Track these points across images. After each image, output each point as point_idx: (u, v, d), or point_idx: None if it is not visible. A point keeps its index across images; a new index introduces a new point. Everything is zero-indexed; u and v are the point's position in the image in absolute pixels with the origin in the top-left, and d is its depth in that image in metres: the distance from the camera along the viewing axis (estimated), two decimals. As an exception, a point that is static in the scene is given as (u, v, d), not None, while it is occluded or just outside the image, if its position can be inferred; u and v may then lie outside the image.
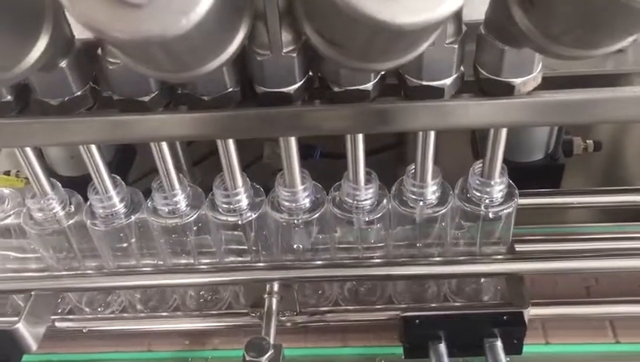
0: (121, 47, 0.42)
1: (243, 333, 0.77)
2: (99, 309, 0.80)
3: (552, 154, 0.96)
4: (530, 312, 0.72)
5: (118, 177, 0.71)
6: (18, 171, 1.05)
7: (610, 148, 1.08)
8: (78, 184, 0.86)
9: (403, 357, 0.71)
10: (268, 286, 0.73)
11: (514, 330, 0.70)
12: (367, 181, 0.69)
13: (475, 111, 0.56)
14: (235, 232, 0.71)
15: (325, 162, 1.11)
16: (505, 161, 0.68)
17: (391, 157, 1.16)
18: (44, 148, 0.97)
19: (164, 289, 0.79)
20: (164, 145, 0.67)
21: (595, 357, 0.76)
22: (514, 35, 0.44)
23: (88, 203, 0.71)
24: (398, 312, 0.77)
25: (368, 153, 1.10)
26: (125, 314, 0.80)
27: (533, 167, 0.95)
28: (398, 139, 1.13)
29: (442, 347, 0.70)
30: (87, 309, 0.80)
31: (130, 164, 1.06)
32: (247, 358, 0.64)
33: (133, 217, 0.71)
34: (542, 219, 0.88)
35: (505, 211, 0.68)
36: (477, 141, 1.00)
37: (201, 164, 1.12)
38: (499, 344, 0.70)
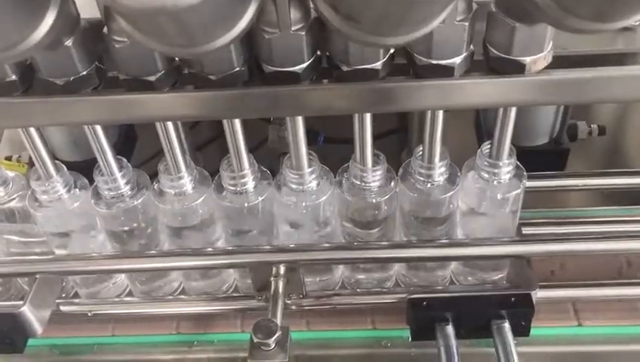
0: (131, 19, 0.41)
1: (249, 317, 0.76)
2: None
3: (557, 138, 0.96)
4: (561, 294, 0.72)
5: (123, 159, 0.70)
6: (19, 156, 1.05)
7: (615, 133, 1.08)
8: (81, 169, 0.86)
9: (410, 339, 0.71)
10: (274, 269, 0.73)
11: (522, 312, 0.69)
12: (375, 163, 0.68)
13: (484, 90, 0.56)
14: (242, 215, 0.70)
15: (329, 147, 1.11)
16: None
17: (394, 142, 1.16)
18: (46, 133, 0.96)
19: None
20: (170, 126, 0.66)
21: (629, 339, 0.76)
22: (527, 9, 0.43)
23: (94, 185, 0.71)
24: (404, 295, 0.77)
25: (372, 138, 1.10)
26: (130, 298, 0.79)
27: (538, 152, 0.95)
28: (401, 124, 1.13)
29: (449, 329, 0.70)
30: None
31: (132, 148, 1.05)
32: (255, 340, 0.64)
33: (139, 199, 0.70)
34: (547, 204, 0.88)
35: (513, 193, 0.68)
36: (481, 124, 1.00)
37: (204, 149, 1.12)
38: (507, 326, 0.69)
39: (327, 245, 0.72)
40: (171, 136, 0.66)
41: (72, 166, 0.96)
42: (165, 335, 0.79)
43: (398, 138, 1.17)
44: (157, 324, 0.80)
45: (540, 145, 0.95)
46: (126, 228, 0.72)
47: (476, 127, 1.03)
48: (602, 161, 1.11)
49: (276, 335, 0.64)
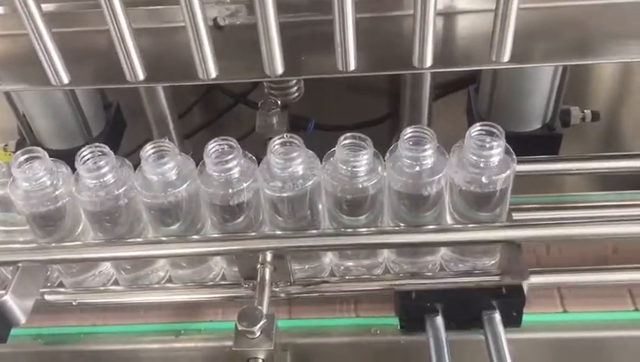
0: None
1: (237, 305, 0.75)
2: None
3: (550, 124, 0.95)
4: (549, 280, 0.71)
5: (106, 146, 0.69)
6: (6, 145, 1.04)
7: (608, 119, 1.07)
8: (66, 157, 0.85)
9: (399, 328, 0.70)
10: (261, 256, 0.72)
11: (513, 303, 0.68)
12: (362, 147, 0.67)
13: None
14: (227, 203, 0.69)
15: (319, 134, 1.10)
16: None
17: (384, 130, 1.15)
18: (31, 120, 0.95)
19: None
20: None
21: (615, 325, 0.75)
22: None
23: (76, 172, 0.69)
24: (393, 282, 0.76)
25: (361, 125, 1.09)
26: (116, 287, 0.78)
27: (531, 137, 0.94)
28: (393, 111, 1.12)
29: (439, 320, 0.68)
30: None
31: (120, 136, 1.04)
32: (240, 328, 0.63)
33: (122, 189, 0.69)
34: (538, 189, 0.87)
35: (502, 175, 0.66)
36: (472, 110, 0.99)
37: (193, 138, 1.11)
38: (497, 317, 0.68)
39: (313, 232, 0.71)
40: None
41: (56, 154, 0.97)
42: (152, 324, 0.78)
43: (389, 126, 1.16)
44: (143, 313, 0.79)
45: (533, 130, 0.94)
46: (109, 216, 0.71)
47: (468, 113, 1.02)
48: (596, 146, 1.10)
49: (261, 323, 0.63)
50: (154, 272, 0.79)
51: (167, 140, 0.68)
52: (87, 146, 0.68)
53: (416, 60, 0.57)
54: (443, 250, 0.79)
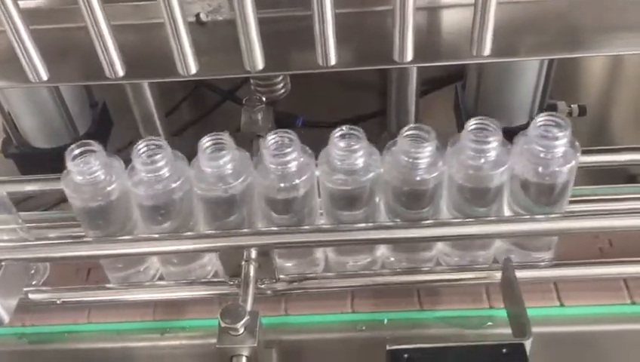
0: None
1: (223, 302, 0.75)
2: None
3: (537, 118, 0.94)
4: (544, 274, 0.71)
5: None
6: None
7: (595, 113, 1.07)
8: (53, 155, 0.85)
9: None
10: (245, 253, 0.71)
11: None
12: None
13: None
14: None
15: (307, 131, 1.09)
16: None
17: (374, 126, 1.15)
18: (17, 118, 0.95)
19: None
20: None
21: (611, 318, 0.75)
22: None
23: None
24: (381, 277, 0.76)
25: (351, 122, 1.09)
26: (101, 285, 0.78)
27: (518, 132, 0.94)
28: (382, 108, 1.12)
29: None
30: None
31: (107, 135, 1.04)
32: (223, 325, 0.63)
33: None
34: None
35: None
36: (460, 106, 0.99)
37: (181, 136, 1.11)
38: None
39: (300, 228, 0.71)
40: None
41: (42, 153, 0.97)
42: (137, 322, 0.78)
43: (379, 122, 1.16)
44: (128, 312, 0.78)
45: (520, 125, 0.94)
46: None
47: (455, 109, 1.02)
48: (583, 141, 1.10)
49: (244, 319, 0.63)
50: (144, 272, 0.79)
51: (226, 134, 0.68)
52: (142, 140, 0.68)
53: (396, 55, 0.57)
54: (440, 244, 0.78)
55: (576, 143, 0.67)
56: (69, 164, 0.67)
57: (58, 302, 0.76)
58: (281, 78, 0.93)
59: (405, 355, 0.60)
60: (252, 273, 0.70)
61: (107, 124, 1.04)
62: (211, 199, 0.69)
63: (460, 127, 0.72)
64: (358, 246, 0.76)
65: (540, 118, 0.66)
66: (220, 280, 0.76)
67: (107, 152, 0.70)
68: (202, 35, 0.65)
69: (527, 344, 0.61)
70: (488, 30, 0.54)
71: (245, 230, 0.72)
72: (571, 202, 0.75)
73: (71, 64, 0.68)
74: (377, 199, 0.71)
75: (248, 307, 0.68)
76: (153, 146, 0.68)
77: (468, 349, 0.61)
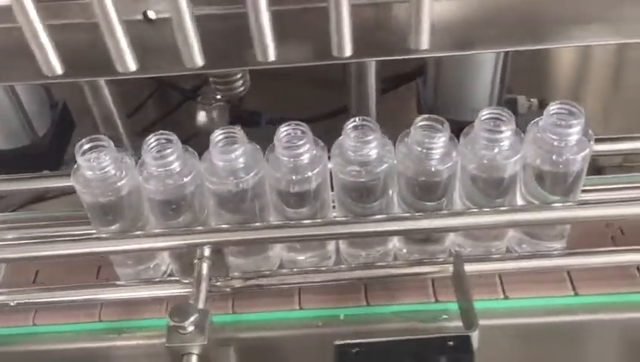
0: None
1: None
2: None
3: (496, 113, 0.95)
4: (488, 267, 0.72)
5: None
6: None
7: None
8: (11, 157, 0.84)
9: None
10: (198, 251, 0.71)
11: (460, 358, 0.62)
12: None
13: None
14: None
15: (272, 130, 1.09)
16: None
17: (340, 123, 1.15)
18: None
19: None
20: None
21: (555, 310, 0.75)
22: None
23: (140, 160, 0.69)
24: (338, 274, 0.76)
25: (316, 119, 1.09)
26: (54, 286, 0.77)
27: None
28: (345, 106, 1.12)
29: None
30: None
31: (69, 136, 1.03)
32: (171, 323, 0.63)
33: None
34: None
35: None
36: (420, 98, 0.99)
37: (144, 136, 1.10)
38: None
39: (252, 225, 0.71)
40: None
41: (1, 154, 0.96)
42: (93, 323, 0.77)
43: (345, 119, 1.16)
44: (84, 312, 0.78)
45: (477, 121, 0.94)
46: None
47: (417, 105, 1.02)
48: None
49: (192, 318, 0.63)
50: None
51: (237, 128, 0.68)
52: (153, 134, 0.68)
53: (335, 49, 0.57)
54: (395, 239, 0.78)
55: (590, 132, 0.67)
56: (79, 159, 0.67)
57: (12, 303, 0.75)
58: (239, 75, 0.93)
59: (353, 350, 0.61)
60: (205, 271, 0.70)
61: (68, 125, 1.03)
62: (223, 193, 0.69)
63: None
64: (313, 243, 0.77)
65: (553, 106, 0.66)
66: (171, 279, 0.76)
67: (68, 154, 0.70)
68: (150, 33, 0.65)
69: (474, 336, 0.62)
70: (424, 23, 0.54)
71: (198, 228, 0.72)
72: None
73: (19, 63, 0.67)
74: (391, 191, 0.71)
75: (200, 305, 0.68)
76: (164, 141, 0.68)
77: (414, 342, 0.61)
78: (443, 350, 0.60)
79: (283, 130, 0.67)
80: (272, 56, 0.57)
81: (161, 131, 0.68)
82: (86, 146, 0.67)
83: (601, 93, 1.11)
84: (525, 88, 1.00)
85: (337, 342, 0.61)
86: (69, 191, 0.76)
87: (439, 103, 0.95)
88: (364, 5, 0.60)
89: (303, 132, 0.67)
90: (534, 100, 0.99)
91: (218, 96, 0.89)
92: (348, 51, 0.56)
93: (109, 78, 0.64)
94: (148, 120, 1.14)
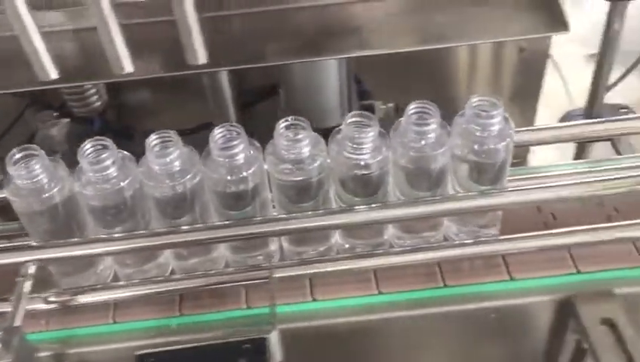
0: None
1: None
2: None
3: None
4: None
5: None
6: None
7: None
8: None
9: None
10: (22, 269, 0.71)
11: (255, 360, 0.62)
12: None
13: None
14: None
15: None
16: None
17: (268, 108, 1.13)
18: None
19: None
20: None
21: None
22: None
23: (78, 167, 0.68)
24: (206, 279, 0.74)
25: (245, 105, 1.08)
26: None
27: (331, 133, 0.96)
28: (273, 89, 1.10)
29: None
30: None
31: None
32: (-26, 342, 0.63)
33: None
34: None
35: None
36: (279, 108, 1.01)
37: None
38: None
39: (69, 241, 0.71)
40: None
41: None
42: None
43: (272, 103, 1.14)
44: None
45: (333, 126, 0.96)
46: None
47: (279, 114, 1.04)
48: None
49: (-2, 334, 0.63)
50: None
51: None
52: (88, 140, 0.68)
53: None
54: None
55: (511, 122, 0.69)
56: (10, 169, 0.66)
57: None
58: (93, 90, 0.93)
59: (151, 359, 0.61)
60: (25, 289, 0.70)
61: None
62: (161, 197, 0.70)
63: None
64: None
65: (475, 100, 0.68)
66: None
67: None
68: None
69: (272, 337, 0.63)
70: (195, 39, 0.56)
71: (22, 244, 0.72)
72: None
73: None
74: (327, 190, 0.72)
75: (18, 322, 0.68)
76: (99, 147, 0.68)
77: (211, 348, 0.63)
78: (239, 353, 0.61)
79: (218, 132, 0.68)
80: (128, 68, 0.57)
81: (96, 137, 0.69)
82: (17, 156, 0.67)
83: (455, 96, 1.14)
84: (383, 94, 1.03)
85: (137, 353, 0.62)
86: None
87: (296, 111, 0.96)
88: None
89: (237, 133, 0.68)
90: (390, 105, 1.02)
91: (55, 113, 0.88)
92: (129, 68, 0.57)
93: None
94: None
